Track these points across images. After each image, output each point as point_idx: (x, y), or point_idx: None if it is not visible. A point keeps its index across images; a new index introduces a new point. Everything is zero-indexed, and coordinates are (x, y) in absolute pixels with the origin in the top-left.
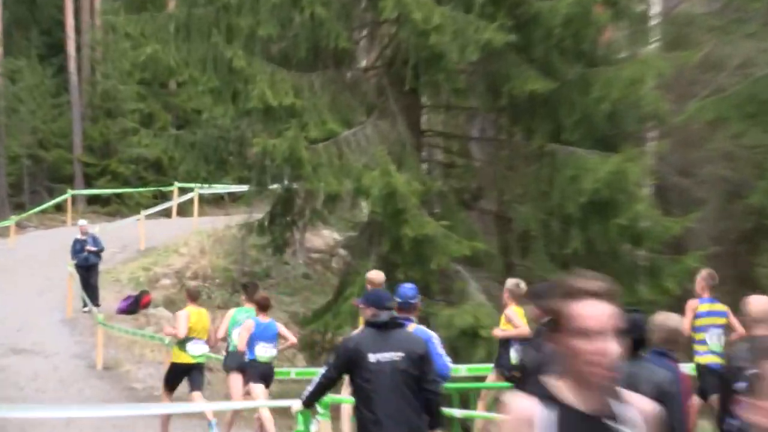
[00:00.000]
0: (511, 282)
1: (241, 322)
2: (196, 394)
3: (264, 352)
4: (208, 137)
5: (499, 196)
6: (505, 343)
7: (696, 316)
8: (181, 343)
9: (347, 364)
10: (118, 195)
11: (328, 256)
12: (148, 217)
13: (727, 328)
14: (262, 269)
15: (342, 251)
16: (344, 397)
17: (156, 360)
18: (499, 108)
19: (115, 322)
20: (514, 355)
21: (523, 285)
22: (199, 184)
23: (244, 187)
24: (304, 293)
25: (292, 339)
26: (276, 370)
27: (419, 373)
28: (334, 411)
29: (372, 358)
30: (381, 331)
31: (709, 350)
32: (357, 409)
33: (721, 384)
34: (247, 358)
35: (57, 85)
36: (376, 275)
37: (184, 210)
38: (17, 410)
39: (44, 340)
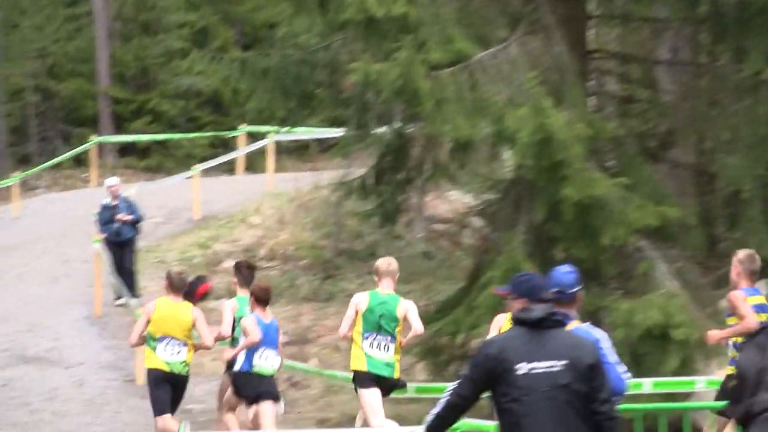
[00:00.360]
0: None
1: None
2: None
3: (266, 362)
4: (287, 62)
5: (698, 144)
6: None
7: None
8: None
9: (487, 378)
10: (161, 143)
11: (458, 227)
12: (205, 173)
13: None
14: (365, 246)
15: (477, 221)
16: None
17: (219, 371)
18: (697, 19)
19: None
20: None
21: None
22: (274, 128)
23: (339, 132)
24: (424, 279)
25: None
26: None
27: (587, 389)
28: None
29: (522, 369)
30: (534, 332)
31: None
32: None
33: None
34: (238, 368)
35: None
36: (385, 263)
37: (253, 164)
38: None
39: (63, 344)
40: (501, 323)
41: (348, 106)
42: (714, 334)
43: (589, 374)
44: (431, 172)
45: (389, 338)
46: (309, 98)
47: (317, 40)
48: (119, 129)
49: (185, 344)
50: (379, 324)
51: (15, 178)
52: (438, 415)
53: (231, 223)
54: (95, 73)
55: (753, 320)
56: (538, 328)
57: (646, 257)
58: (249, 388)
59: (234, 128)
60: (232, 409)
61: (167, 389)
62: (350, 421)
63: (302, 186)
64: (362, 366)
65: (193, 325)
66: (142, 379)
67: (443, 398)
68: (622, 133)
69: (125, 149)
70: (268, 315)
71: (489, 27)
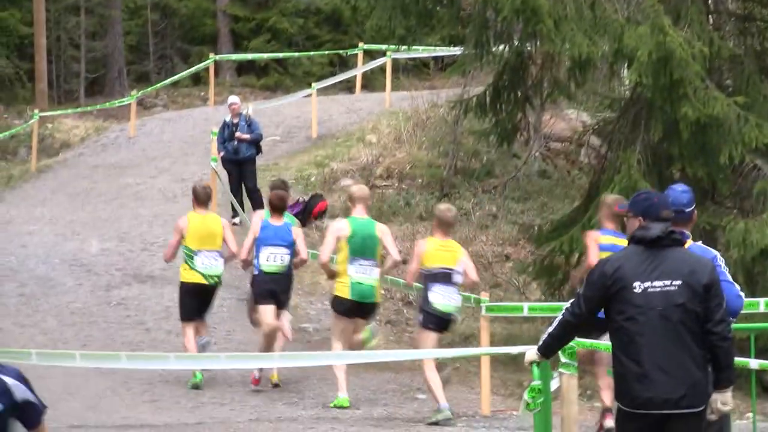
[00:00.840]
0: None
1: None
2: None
3: (274, 262)
4: None
5: None
6: None
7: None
8: (189, 260)
9: (603, 296)
10: (279, 61)
11: (575, 146)
12: (322, 91)
13: None
14: (482, 165)
15: (594, 139)
16: (602, 342)
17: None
18: None
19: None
20: None
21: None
22: (393, 47)
23: (457, 51)
24: (540, 198)
25: (304, 254)
26: (506, 304)
27: (702, 309)
28: (590, 362)
29: (638, 287)
30: (651, 251)
31: None
32: (615, 358)
33: None
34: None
35: None
36: (359, 189)
37: (371, 83)
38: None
39: (178, 263)
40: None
41: (467, 24)
42: (574, 275)
43: (704, 294)
44: (549, 90)
45: (373, 262)
46: (428, 16)
47: None
48: (237, 47)
49: (221, 254)
50: (363, 247)
51: (132, 97)
52: (551, 335)
53: (348, 141)
54: None
55: (593, 258)
56: (655, 246)
57: (763, 176)
58: (257, 286)
59: (352, 46)
60: (255, 311)
61: (198, 300)
62: (463, 341)
63: (419, 105)
64: (345, 293)
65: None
66: None
67: (558, 317)
68: (740, 51)
69: (243, 68)
70: (281, 220)
71: None
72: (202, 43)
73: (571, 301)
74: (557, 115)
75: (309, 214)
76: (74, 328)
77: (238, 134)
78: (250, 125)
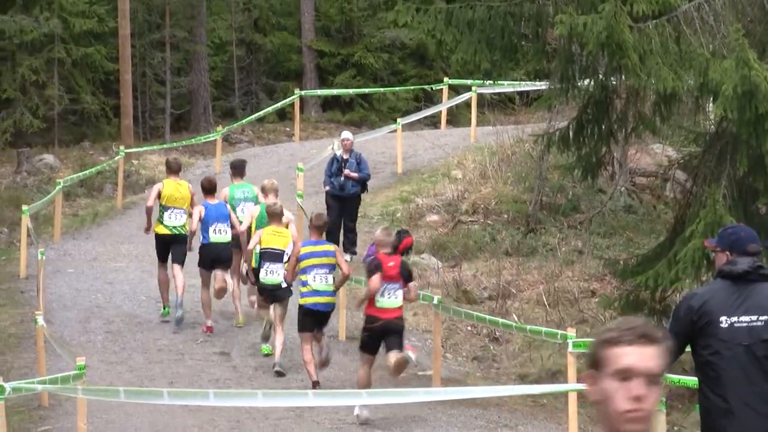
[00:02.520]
0: None
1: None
2: (177, 267)
3: (219, 235)
4: (493, 13)
5: None
6: None
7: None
8: (160, 216)
9: (689, 330)
10: (364, 97)
11: (660, 181)
12: (407, 126)
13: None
14: (568, 200)
15: (680, 174)
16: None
17: (420, 327)
18: None
19: (361, 274)
20: None
21: None
22: (478, 81)
23: (543, 85)
24: (626, 233)
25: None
26: (590, 338)
27: None
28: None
29: (724, 322)
30: (738, 286)
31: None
32: (701, 393)
33: None
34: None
35: None
36: (268, 182)
37: (456, 117)
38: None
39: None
40: None
41: (552, 58)
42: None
43: None
44: (634, 124)
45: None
46: (513, 51)
47: None
48: (323, 83)
49: (185, 212)
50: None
51: (218, 133)
52: None
53: (433, 177)
54: (300, 27)
55: None
56: (742, 281)
57: None
58: (205, 256)
59: (437, 81)
60: (204, 284)
61: (167, 248)
62: (550, 377)
63: (505, 140)
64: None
65: (191, 199)
66: (344, 334)
67: None
68: None
69: (328, 103)
70: (215, 200)
71: None
72: (287, 78)
73: None
74: (643, 149)
75: (396, 249)
76: (161, 365)
77: (346, 171)
78: (359, 163)
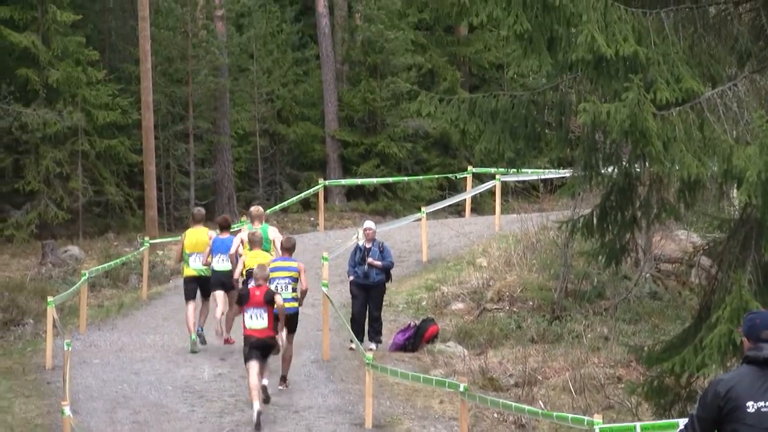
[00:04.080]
0: None
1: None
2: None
3: (220, 264)
4: (516, 102)
5: None
6: None
7: None
8: (185, 260)
9: (716, 416)
10: (388, 186)
11: (685, 267)
12: (431, 215)
13: None
14: (593, 287)
15: (705, 260)
16: None
17: (447, 414)
18: None
19: (389, 362)
20: None
21: None
22: (502, 169)
23: (566, 173)
24: (651, 319)
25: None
26: (619, 425)
27: None
28: None
29: (751, 407)
30: (764, 371)
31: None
32: None
33: None
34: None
35: (301, 33)
36: (255, 209)
37: (480, 206)
38: None
39: (292, 388)
40: None
41: (576, 146)
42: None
43: None
44: (658, 211)
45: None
46: (536, 139)
47: (545, 81)
48: (346, 172)
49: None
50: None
51: (243, 223)
52: None
53: (458, 265)
54: (323, 117)
55: None
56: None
57: None
58: (210, 281)
59: (461, 170)
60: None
61: (195, 287)
62: None
63: (529, 227)
64: None
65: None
66: (371, 422)
67: None
68: None
69: (352, 192)
70: (226, 235)
71: (717, 65)
72: (311, 168)
73: (685, 422)
74: (667, 235)
75: (421, 338)
76: None
77: (369, 260)
78: (382, 251)
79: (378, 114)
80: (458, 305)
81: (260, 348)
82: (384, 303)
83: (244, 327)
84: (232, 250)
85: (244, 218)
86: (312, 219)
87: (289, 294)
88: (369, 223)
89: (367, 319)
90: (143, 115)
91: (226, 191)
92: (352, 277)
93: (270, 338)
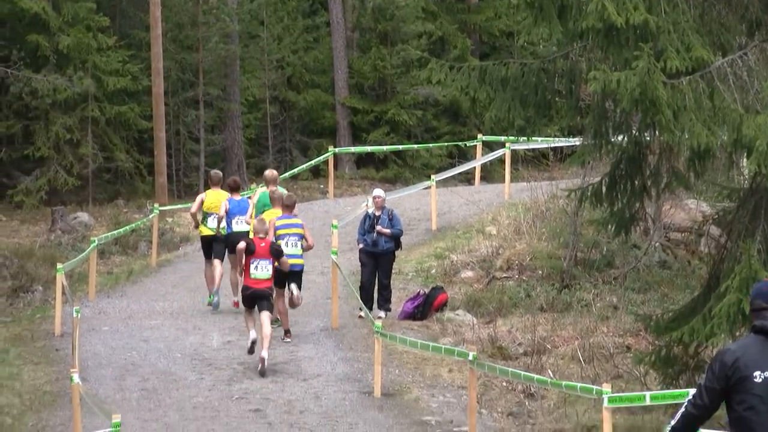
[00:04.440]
0: None
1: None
2: (216, 261)
3: (238, 225)
4: (526, 70)
5: None
6: None
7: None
8: (203, 220)
9: (724, 386)
10: (398, 154)
11: (695, 236)
12: (441, 183)
13: None
14: (602, 255)
15: (714, 229)
16: None
17: (456, 383)
18: None
19: (398, 331)
20: None
21: None
22: (511, 138)
23: (576, 141)
24: (660, 288)
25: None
26: (628, 394)
27: None
28: None
29: (758, 377)
30: None
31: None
32: None
33: None
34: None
35: (311, 0)
36: (269, 173)
37: (490, 174)
38: None
39: (300, 356)
40: None
41: (586, 115)
42: None
43: None
44: (667, 180)
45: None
46: (547, 107)
47: (556, 49)
48: (356, 140)
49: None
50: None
51: (252, 190)
52: (675, 428)
53: (468, 233)
54: (333, 84)
55: None
56: None
57: None
58: (229, 244)
59: (471, 138)
60: (233, 267)
61: (210, 246)
62: None
63: (539, 196)
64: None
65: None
66: (379, 390)
67: (680, 410)
68: None
69: (362, 160)
70: (238, 197)
71: (728, 34)
72: (321, 135)
73: (695, 391)
74: (677, 204)
75: (430, 306)
76: (196, 422)
77: (378, 227)
78: (391, 219)
79: (388, 81)
80: (467, 273)
81: (258, 298)
82: (393, 271)
83: (247, 277)
84: (247, 217)
85: (253, 185)
86: (321, 186)
87: (299, 251)
88: (378, 191)
89: (376, 287)
90: (153, 81)
91: (236, 158)
92: (361, 245)
93: (269, 289)
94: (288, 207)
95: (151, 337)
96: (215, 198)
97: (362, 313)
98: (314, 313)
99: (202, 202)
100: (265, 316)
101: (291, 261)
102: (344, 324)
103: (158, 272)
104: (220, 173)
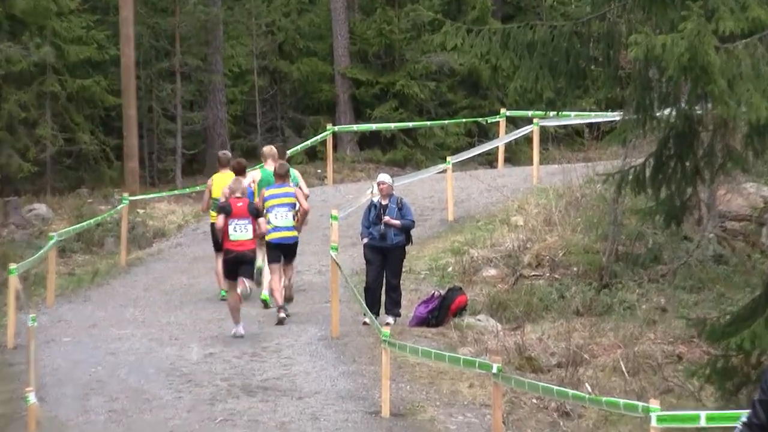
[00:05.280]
0: None
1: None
2: None
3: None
4: (557, 34)
5: None
6: None
7: None
8: (213, 206)
9: None
10: (408, 132)
11: (755, 225)
12: (459, 166)
13: None
14: (648, 249)
15: None
16: None
17: (477, 400)
18: None
19: (409, 339)
20: None
21: None
22: (540, 112)
23: (615, 116)
24: (716, 287)
25: None
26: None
27: None
28: None
29: None
30: None
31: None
32: None
33: None
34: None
35: None
36: (267, 148)
37: (515, 155)
38: None
39: (295, 371)
40: None
41: (626, 84)
42: None
43: None
44: (723, 161)
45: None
46: (581, 76)
47: (590, 9)
48: (359, 116)
49: None
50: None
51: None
52: None
53: (490, 225)
54: (332, 52)
55: None
56: None
57: None
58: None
59: (493, 113)
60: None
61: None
62: None
63: (573, 180)
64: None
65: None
66: (388, 410)
67: (736, 429)
68: None
69: (366, 140)
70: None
71: None
72: (317, 112)
73: (750, 410)
74: (734, 189)
75: (446, 310)
76: None
77: (386, 218)
78: (401, 209)
79: (396, 48)
80: (490, 271)
81: (241, 263)
82: (403, 269)
83: (226, 240)
84: (246, 181)
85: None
86: (319, 171)
87: (290, 222)
88: (385, 176)
89: (383, 289)
90: (122, 50)
91: (219, 139)
92: (366, 240)
93: (251, 251)
94: (281, 176)
95: (120, 349)
96: (224, 182)
97: (367, 320)
98: (311, 319)
99: (210, 192)
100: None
101: (281, 234)
102: (346, 332)
103: (128, 273)
104: (229, 153)
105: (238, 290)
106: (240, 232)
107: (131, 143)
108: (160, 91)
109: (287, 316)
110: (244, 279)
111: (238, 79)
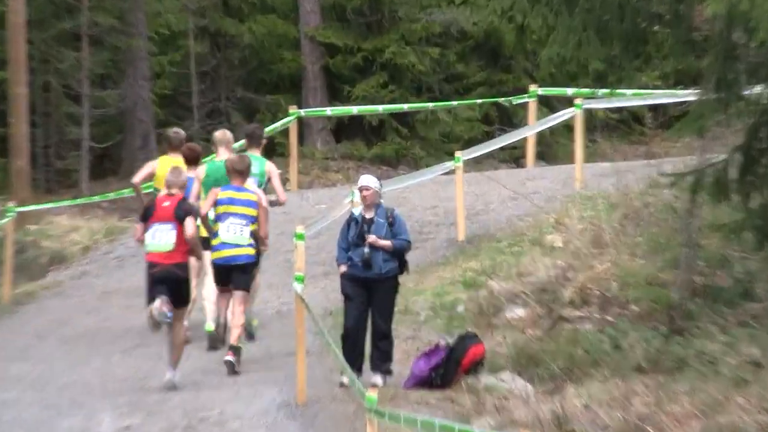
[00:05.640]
0: None
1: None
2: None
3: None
4: None
5: None
6: None
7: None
8: None
9: None
10: (401, 118)
11: None
12: (473, 165)
13: None
14: (735, 281)
15: None
16: None
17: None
18: None
19: (404, 407)
20: None
21: None
22: (584, 90)
23: (689, 95)
24: None
25: None
26: None
27: None
28: None
29: None
30: None
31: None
32: None
33: None
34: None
35: None
36: (219, 133)
37: (551, 149)
38: None
39: None
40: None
41: (703, 53)
42: None
43: None
44: None
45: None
46: (640, 41)
47: None
48: (334, 96)
49: None
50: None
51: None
52: None
53: (516, 246)
54: (296, 7)
55: None
56: None
57: None
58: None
59: (519, 92)
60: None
61: None
62: None
63: (630, 183)
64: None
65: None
66: None
67: None
68: None
69: (344, 128)
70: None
71: None
72: (277, 90)
73: None
74: None
75: (456, 366)
76: None
77: (371, 238)
78: (393, 224)
79: (385, 2)
80: (517, 312)
81: (166, 282)
82: (396, 309)
83: (145, 252)
84: (193, 198)
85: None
86: (279, 171)
87: (243, 238)
88: (369, 179)
89: (369, 337)
90: (8, 6)
91: (140, 126)
92: (344, 268)
93: (178, 266)
94: (239, 174)
95: (3, 419)
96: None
97: (346, 379)
98: (267, 378)
99: (151, 174)
100: (172, 316)
101: (228, 252)
102: (316, 397)
103: (14, 314)
104: (182, 132)
105: (153, 312)
106: (158, 239)
107: (19, 133)
108: (61, 61)
109: (237, 365)
110: (163, 301)
111: (167, 44)
